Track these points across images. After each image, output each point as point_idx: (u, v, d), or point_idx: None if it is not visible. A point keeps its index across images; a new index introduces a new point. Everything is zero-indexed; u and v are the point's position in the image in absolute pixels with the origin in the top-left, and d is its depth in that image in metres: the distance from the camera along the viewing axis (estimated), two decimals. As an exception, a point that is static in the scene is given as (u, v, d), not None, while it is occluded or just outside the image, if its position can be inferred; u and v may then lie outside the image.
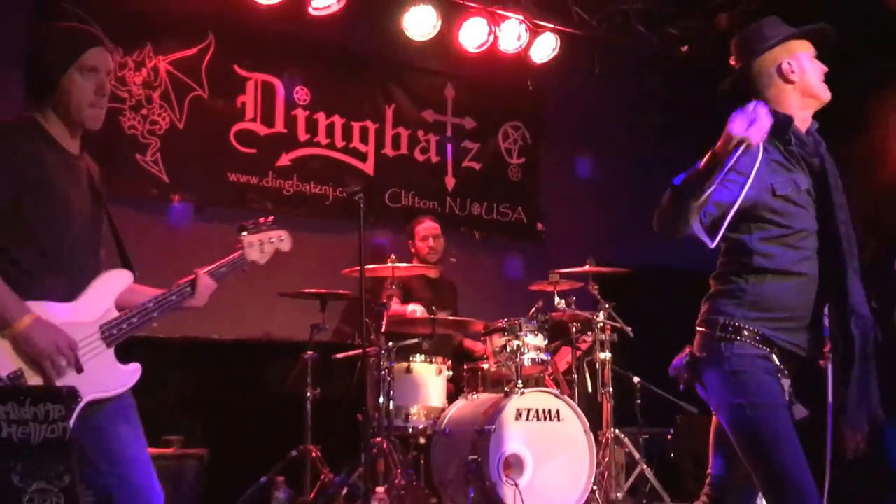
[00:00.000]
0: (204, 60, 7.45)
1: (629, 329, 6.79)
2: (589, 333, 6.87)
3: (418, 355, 6.36)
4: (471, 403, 6.13)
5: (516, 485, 5.53)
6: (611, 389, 6.68)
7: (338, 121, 8.11)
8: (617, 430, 6.64)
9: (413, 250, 7.35)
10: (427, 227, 7.30)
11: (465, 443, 5.76)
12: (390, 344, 6.19)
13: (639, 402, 7.08)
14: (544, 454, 5.73)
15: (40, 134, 3.27)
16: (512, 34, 8.18)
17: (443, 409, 6.26)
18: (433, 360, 6.40)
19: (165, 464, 5.55)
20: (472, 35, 8.14)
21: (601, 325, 6.74)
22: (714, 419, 3.59)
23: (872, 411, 3.41)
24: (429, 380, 6.35)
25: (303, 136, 7.92)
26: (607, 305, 6.82)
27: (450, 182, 8.64)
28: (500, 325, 6.25)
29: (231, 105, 7.57)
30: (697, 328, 3.52)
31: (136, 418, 3.35)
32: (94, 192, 3.41)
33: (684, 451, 7.21)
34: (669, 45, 8.75)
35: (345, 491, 5.90)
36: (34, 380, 3.02)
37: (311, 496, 6.18)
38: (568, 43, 8.43)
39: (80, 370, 3.10)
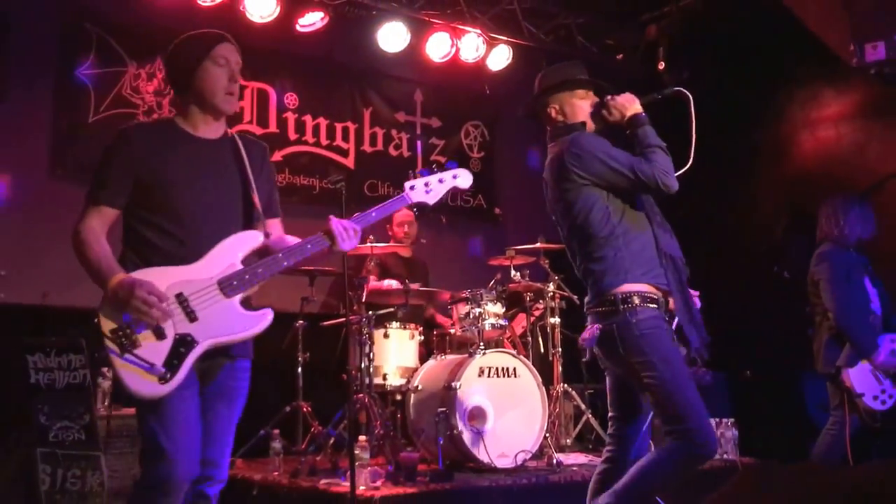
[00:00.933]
0: (207, 70, 7.39)
1: (575, 297, 6.77)
2: (541, 301, 6.87)
3: (394, 322, 6.34)
4: (439, 363, 6.12)
5: (480, 432, 5.54)
6: (560, 350, 6.69)
7: (323, 122, 8.10)
8: (566, 385, 6.64)
9: (390, 233, 7.31)
10: (403, 214, 7.25)
11: (435, 397, 5.74)
12: (370, 313, 6.17)
13: (584, 360, 7.08)
14: (503, 406, 5.72)
15: (171, 129, 3.26)
16: (471, 46, 8.17)
17: (416, 369, 6.24)
18: (407, 326, 6.38)
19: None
20: (437, 47, 8.14)
21: (551, 294, 6.75)
22: (610, 374, 3.78)
23: (702, 333, 3.54)
24: (403, 343, 6.33)
25: (293, 135, 7.91)
26: (556, 277, 6.82)
27: (420, 174, 8.63)
28: (464, 295, 6.23)
29: (230, 109, 7.52)
30: (597, 310, 3.58)
31: (239, 403, 3.27)
32: (240, 170, 3.34)
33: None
34: (607, 53, 8.77)
35: (332, 440, 5.87)
36: (144, 330, 2.94)
37: (303, 446, 6.19)
38: (519, 53, 8.42)
39: (192, 319, 3.01)
